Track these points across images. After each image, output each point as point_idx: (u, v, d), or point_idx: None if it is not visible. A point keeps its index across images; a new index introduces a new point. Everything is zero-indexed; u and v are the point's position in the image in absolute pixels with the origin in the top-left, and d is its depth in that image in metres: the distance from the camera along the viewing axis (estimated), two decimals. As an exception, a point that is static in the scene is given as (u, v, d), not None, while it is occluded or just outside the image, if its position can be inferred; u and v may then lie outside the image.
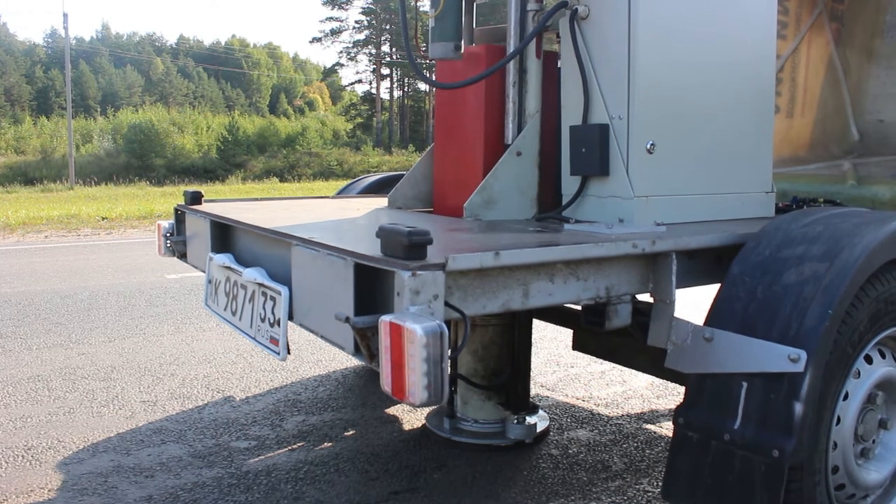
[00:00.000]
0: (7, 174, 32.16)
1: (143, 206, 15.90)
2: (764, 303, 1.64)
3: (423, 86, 50.37)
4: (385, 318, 1.32)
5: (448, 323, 1.43)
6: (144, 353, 4.37)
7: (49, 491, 2.56)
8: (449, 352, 1.30)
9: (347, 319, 1.43)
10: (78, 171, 30.11)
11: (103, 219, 13.27)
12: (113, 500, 2.48)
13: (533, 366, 3.19)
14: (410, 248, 1.36)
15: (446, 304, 1.40)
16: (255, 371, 3.96)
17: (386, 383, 1.34)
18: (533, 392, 3.56)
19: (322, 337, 1.65)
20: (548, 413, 3.26)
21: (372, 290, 1.47)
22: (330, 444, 2.96)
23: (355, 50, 52.52)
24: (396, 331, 1.29)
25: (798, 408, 1.51)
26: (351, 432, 3.09)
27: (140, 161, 35.88)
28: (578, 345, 2.70)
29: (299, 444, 2.95)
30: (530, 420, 2.94)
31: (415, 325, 1.26)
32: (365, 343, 1.44)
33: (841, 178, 3.03)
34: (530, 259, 1.53)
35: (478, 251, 1.45)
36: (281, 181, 32.04)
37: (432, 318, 1.33)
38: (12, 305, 5.75)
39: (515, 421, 2.90)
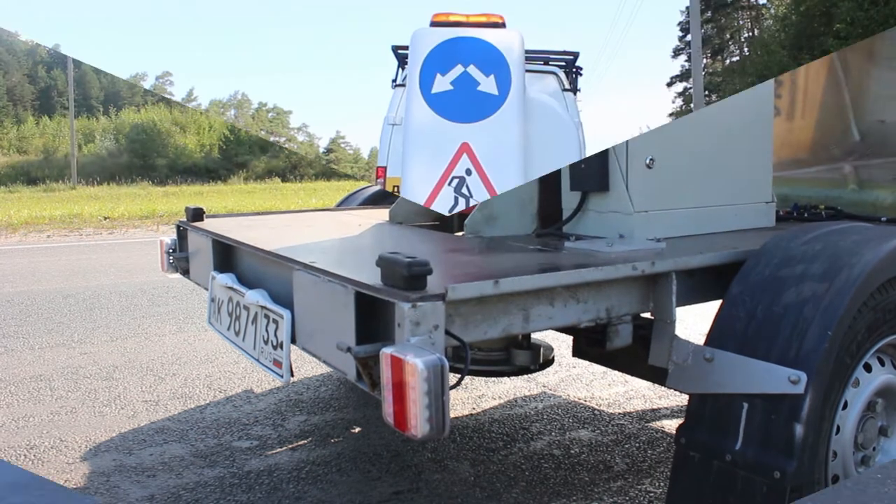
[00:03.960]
0: (9, 174, 32.22)
1: (145, 205, 15.95)
2: (764, 323, 1.63)
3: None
4: (386, 351, 1.32)
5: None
6: (146, 352, 4.38)
7: (52, 490, 2.57)
8: (451, 383, 1.30)
9: (349, 349, 1.43)
10: (80, 171, 30.16)
11: (105, 218, 13.30)
12: (115, 500, 2.49)
13: (534, 366, 3.18)
14: (410, 278, 1.35)
15: (447, 332, 1.40)
16: (256, 371, 3.97)
17: (388, 414, 1.35)
18: (535, 392, 3.57)
19: (325, 362, 1.65)
20: (549, 413, 3.27)
21: (373, 316, 1.47)
22: (332, 443, 2.97)
23: (357, 50, 52.58)
24: (398, 364, 1.29)
25: (799, 430, 1.51)
26: (353, 432, 3.09)
27: (142, 161, 35.93)
28: (578, 351, 2.70)
29: (301, 444, 2.96)
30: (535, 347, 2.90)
31: (416, 359, 1.26)
32: (367, 371, 1.44)
33: (842, 181, 3.03)
34: (530, 286, 1.53)
35: (477, 279, 1.45)
36: (283, 181, 32.07)
37: (433, 348, 1.33)
38: (15, 305, 5.77)
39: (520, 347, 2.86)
